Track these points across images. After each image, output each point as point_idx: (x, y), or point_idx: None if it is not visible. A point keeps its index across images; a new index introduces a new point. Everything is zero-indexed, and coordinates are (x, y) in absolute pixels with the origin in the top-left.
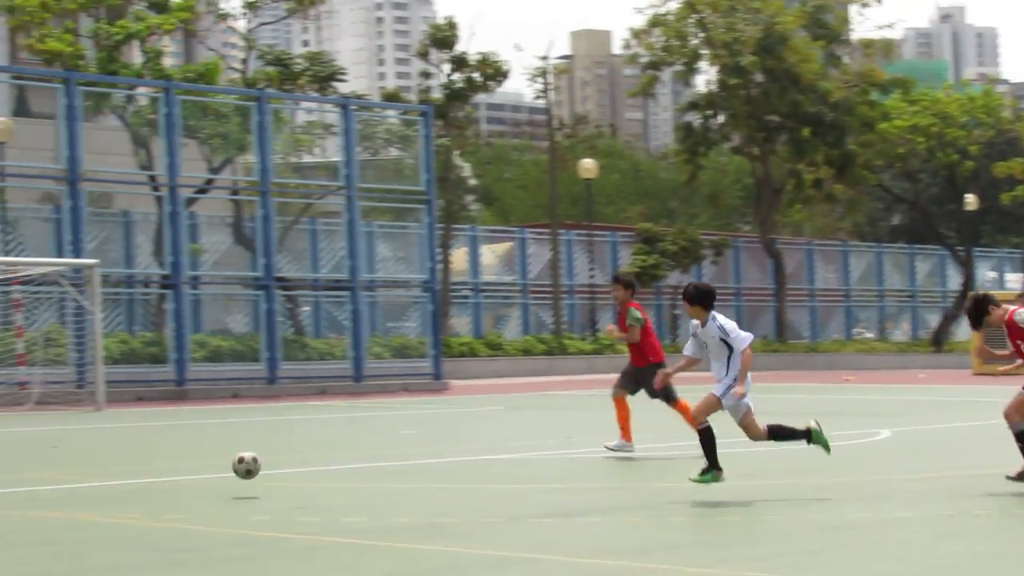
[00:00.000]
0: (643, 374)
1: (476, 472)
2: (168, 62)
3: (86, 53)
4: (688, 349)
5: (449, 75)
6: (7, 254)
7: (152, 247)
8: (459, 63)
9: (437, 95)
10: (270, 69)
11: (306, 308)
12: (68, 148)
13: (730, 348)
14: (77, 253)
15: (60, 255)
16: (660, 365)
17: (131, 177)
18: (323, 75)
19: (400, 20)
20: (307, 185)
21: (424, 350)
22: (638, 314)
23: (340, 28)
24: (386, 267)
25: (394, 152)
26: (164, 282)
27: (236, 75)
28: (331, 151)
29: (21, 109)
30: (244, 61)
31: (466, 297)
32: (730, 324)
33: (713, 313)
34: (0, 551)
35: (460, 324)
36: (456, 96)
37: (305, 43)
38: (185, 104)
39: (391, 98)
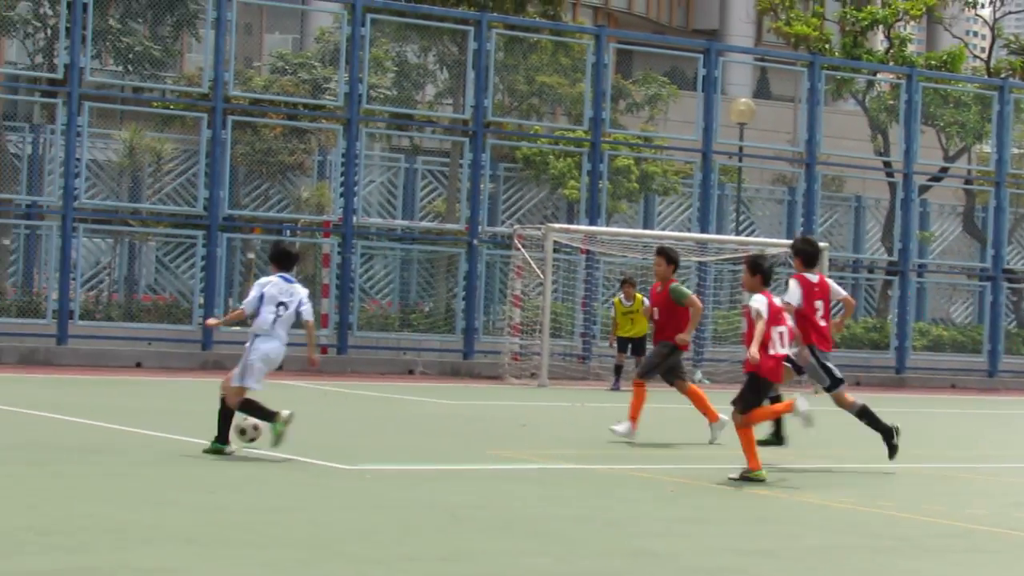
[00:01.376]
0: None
1: None
2: (909, 48)
3: (831, 37)
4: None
5: None
6: (739, 233)
7: (881, 233)
8: None
9: None
10: (1013, 58)
11: None
12: (807, 131)
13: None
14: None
15: (791, 237)
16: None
17: (866, 162)
18: None
19: None
20: None
21: None
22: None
23: None
24: None
25: None
26: (890, 268)
27: (978, 63)
28: None
29: (762, 91)
30: (986, 50)
31: None
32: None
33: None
34: (756, 526)
35: None
36: None
37: None
38: (926, 91)
39: None
